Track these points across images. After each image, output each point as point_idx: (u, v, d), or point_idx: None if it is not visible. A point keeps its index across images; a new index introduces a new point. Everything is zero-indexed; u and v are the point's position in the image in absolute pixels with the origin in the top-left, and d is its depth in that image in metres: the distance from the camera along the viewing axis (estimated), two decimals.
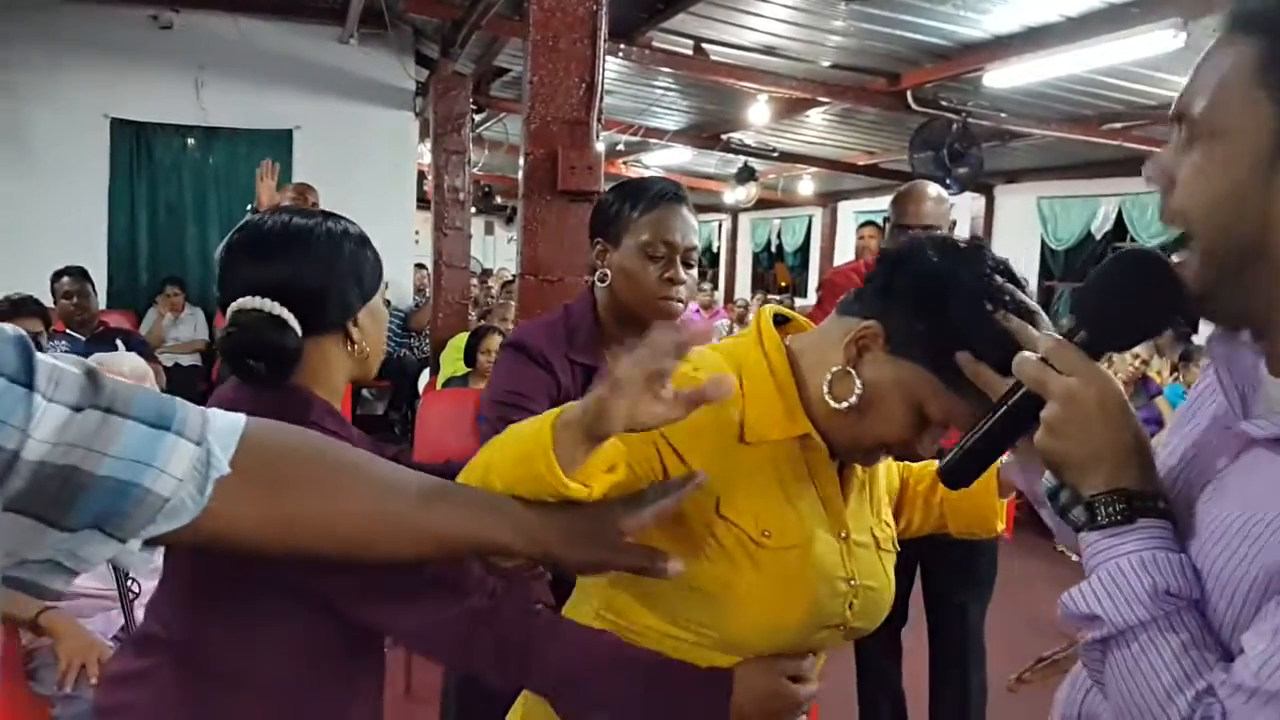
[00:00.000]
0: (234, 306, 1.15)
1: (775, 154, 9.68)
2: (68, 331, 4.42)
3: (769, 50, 6.08)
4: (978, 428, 0.84)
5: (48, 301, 4.40)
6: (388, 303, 7.37)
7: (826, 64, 6.26)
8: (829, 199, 12.69)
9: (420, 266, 8.93)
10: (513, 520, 0.85)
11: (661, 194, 1.71)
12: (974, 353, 0.94)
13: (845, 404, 1.02)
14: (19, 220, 6.42)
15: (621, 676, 1.05)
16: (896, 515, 1.29)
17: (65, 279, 4.47)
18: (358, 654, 1.21)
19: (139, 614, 1.96)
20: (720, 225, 16.22)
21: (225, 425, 0.75)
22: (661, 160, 10.88)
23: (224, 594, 1.13)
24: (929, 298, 0.99)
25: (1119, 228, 9.03)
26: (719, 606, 1.03)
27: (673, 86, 7.51)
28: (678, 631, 1.06)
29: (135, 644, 1.26)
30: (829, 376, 1.04)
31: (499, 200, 13.73)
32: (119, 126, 6.89)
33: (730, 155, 9.78)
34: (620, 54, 5.75)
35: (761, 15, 5.45)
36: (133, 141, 6.99)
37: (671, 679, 1.05)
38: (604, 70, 2.89)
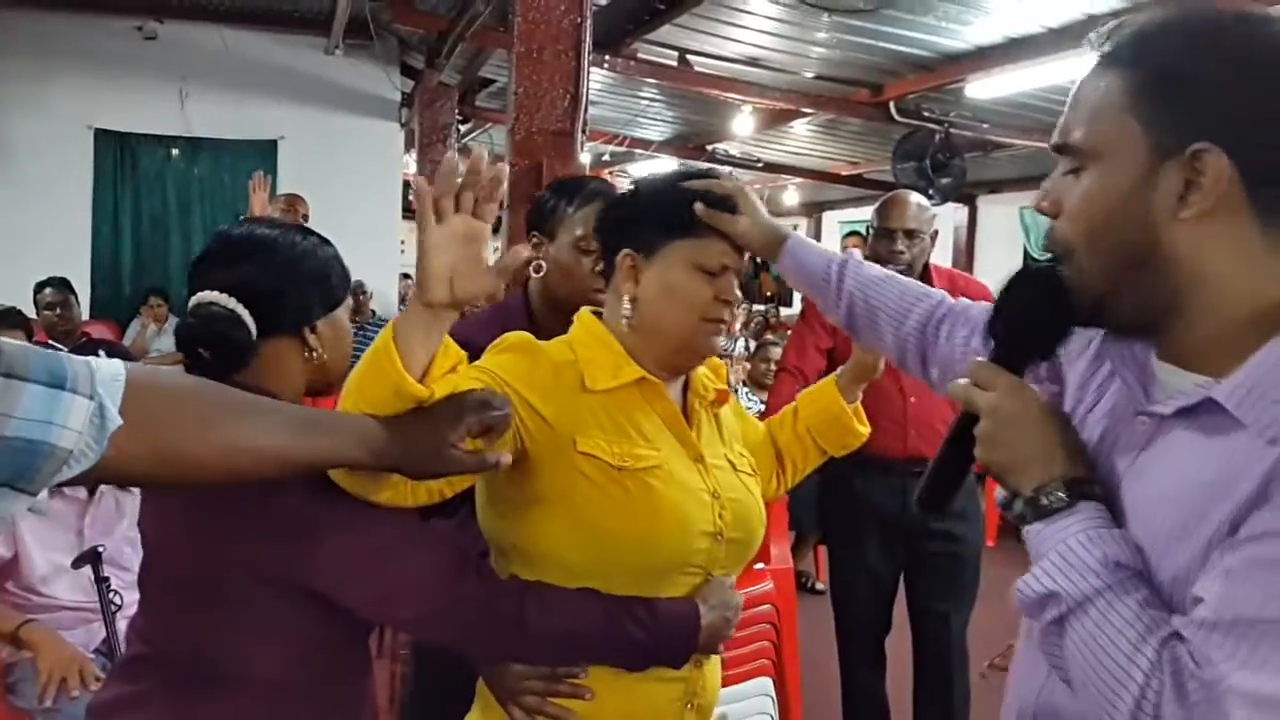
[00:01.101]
0: (194, 300, 1.22)
1: (760, 164, 9.72)
2: (50, 342, 4.39)
3: (753, 61, 6.12)
4: (938, 454, 0.92)
5: (31, 312, 4.37)
6: (373, 312, 7.39)
7: (810, 75, 6.31)
8: (813, 209, 12.75)
9: (406, 276, 8.92)
10: (363, 439, 0.98)
11: (596, 192, 1.79)
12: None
13: (626, 318, 1.23)
14: (2, 231, 6.38)
15: (605, 627, 1.15)
16: (782, 462, 1.50)
17: (48, 290, 4.45)
18: (346, 651, 1.23)
19: (121, 626, 1.95)
20: None
21: (109, 374, 0.82)
22: (646, 170, 10.92)
23: (208, 602, 1.14)
24: (644, 208, 1.27)
25: None
26: (605, 535, 1.16)
27: (657, 97, 7.55)
28: (585, 571, 1.17)
29: (122, 669, 1.26)
30: (625, 312, 1.24)
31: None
32: (103, 137, 6.87)
33: (715, 166, 9.81)
34: (605, 65, 5.77)
35: (745, 27, 5.48)
36: (117, 152, 6.96)
37: (649, 618, 1.16)
38: (589, 81, 2.91)
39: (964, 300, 1.24)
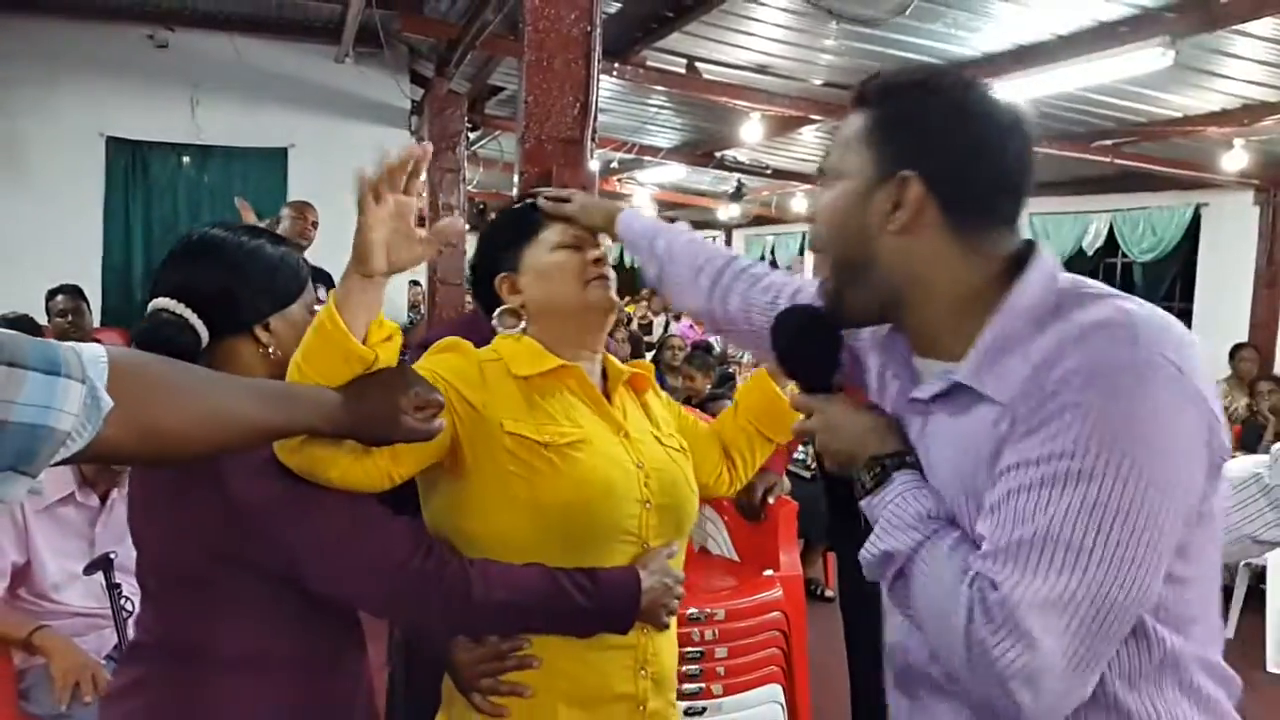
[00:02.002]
0: (150, 306, 1.28)
1: (769, 171, 9.74)
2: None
3: (761, 69, 6.13)
4: (827, 494, 1.10)
5: (43, 319, 4.40)
6: None
7: (818, 82, 6.31)
8: None
9: (415, 284, 8.95)
10: (320, 406, 1.06)
11: None
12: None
13: (524, 325, 1.36)
14: (14, 238, 6.42)
15: (548, 595, 1.22)
16: (730, 456, 1.57)
17: (60, 297, 4.47)
18: (330, 626, 1.29)
19: (133, 632, 1.96)
20: (714, 241, 16.28)
21: (93, 357, 0.86)
22: (655, 177, 10.94)
23: (191, 588, 1.23)
24: (495, 235, 1.45)
25: (1110, 243, 9.09)
26: (537, 508, 1.24)
27: (666, 105, 7.56)
28: (525, 546, 1.25)
29: (127, 656, 1.35)
30: (521, 324, 1.37)
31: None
32: (114, 145, 6.90)
33: (724, 172, 9.83)
34: (614, 73, 5.79)
35: (754, 34, 5.49)
36: (128, 160, 7.00)
37: (592, 591, 1.23)
38: (598, 90, 2.92)
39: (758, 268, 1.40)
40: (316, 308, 1.24)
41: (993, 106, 0.96)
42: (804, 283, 1.31)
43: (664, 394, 1.53)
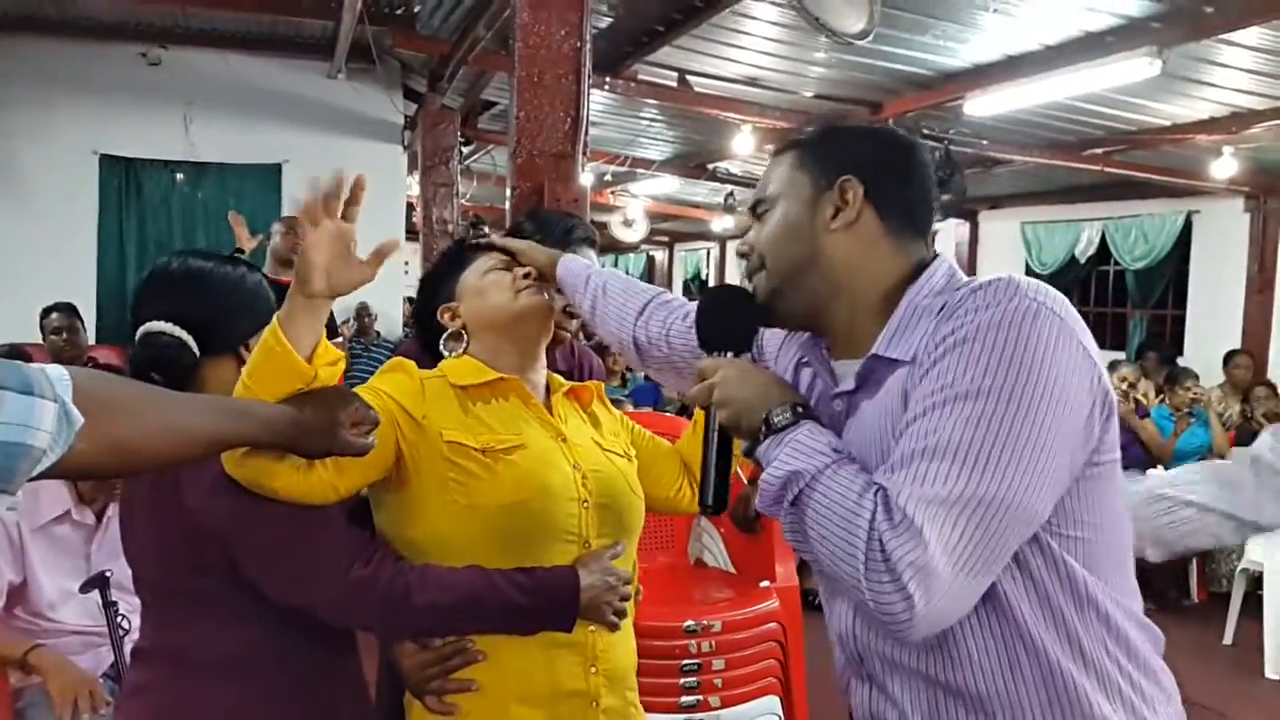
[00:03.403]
0: (142, 329, 1.37)
1: None
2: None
3: (752, 81, 6.17)
4: (702, 458, 1.14)
5: (36, 337, 4.40)
6: (377, 334, 7.41)
7: (809, 94, 6.35)
8: None
9: (410, 299, 8.95)
10: (267, 420, 1.12)
11: (570, 230, 1.88)
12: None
13: (464, 346, 1.42)
14: (8, 256, 6.43)
15: (488, 595, 1.27)
16: (691, 471, 1.59)
17: (54, 315, 4.46)
18: (317, 629, 1.32)
19: (129, 651, 1.96)
20: (709, 253, 16.30)
21: (58, 376, 0.90)
22: (649, 189, 10.96)
23: (175, 593, 1.32)
24: (439, 269, 1.52)
25: (1102, 251, 9.13)
26: (477, 512, 1.29)
27: (658, 118, 7.60)
28: (468, 550, 1.30)
29: (132, 662, 1.43)
30: (463, 344, 1.44)
31: (488, 231, 13.79)
32: (108, 162, 6.92)
33: (717, 184, 9.86)
34: (606, 87, 5.82)
35: (744, 48, 5.53)
36: (122, 177, 7.02)
37: (530, 589, 1.28)
38: (589, 104, 2.94)
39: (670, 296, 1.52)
40: None
41: (897, 133, 1.17)
42: None
43: (616, 411, 1.59)
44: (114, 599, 2.07)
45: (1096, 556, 0.98)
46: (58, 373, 0.91)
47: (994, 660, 0.98)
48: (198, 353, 1.35)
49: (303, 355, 1.15)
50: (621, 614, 1.35)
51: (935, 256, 1.11)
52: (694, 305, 1.40)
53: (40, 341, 4.41)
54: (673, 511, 1.65)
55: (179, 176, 7.17)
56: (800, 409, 1.04)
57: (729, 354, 1.14)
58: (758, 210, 1.16)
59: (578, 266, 1.53)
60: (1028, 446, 0.90)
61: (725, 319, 1.18)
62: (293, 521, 1.24)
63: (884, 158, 1.12)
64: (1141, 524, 1.38)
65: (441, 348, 1.45)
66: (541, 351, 1.47)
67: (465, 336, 1.44)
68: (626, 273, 1.62)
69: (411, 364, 1.40)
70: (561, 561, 1.33)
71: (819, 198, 1.10)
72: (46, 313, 4.52)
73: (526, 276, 1.45)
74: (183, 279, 1.40)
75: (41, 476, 0.89)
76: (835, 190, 1.09)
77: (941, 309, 1.01)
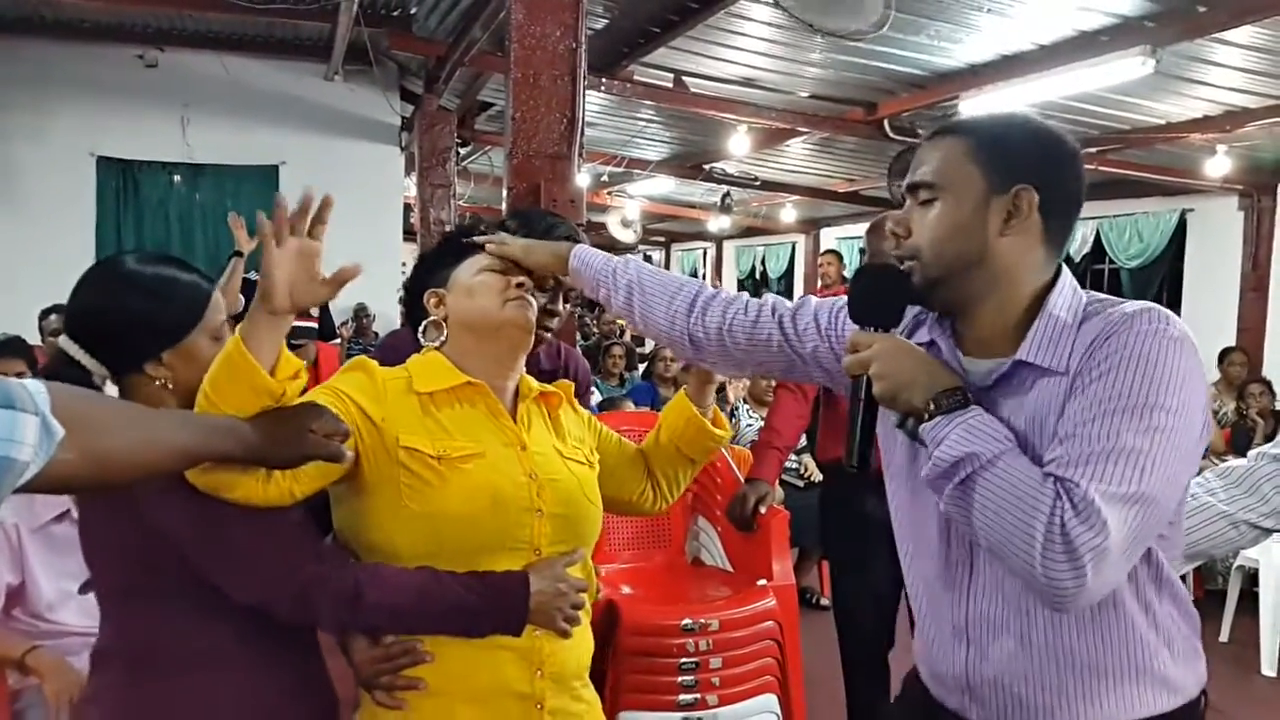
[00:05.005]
0: (58, 341, 1.35)
1: (757, 182, 9.78)
2: (44, 375, 4.41)
3: (748, 82, 6.18)
4: (850, 417, 1.20)
5: (35, 339, 4.40)
6: (375, 334, 7.41)
7: (805, 94, 6.36)
8: (811, 226, 12.81)
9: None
10: (235, 434, 1.13)
11: (551, 228, 1.86)
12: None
13: (443, 339, 1.42)
14: (7, 259, 6.43)
15: (436, 595, 1.28)
16: (653, 475, 1.62)
17: (53, 316, 4.47)
18: (275, 627, 1.32)
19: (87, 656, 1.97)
20: (705, 253, 16.32)
21: (35, 390, 0.91)
22: (645, 190, 10.97)
23: (131, 592, 1.32)
24: (434, 255, 1.52)
25: (1097, 250, 9.14)
26: (428, 519, 1.30)
27: (655, 118, 7.60)
28: (420, 556, 1.31)
29: (91, 666, 1.41)
30: (442, 337, 1.43)
31: (483, 229, 13.76)
32: (106, 164, 6.93)
33: (713, 185, 9.88)
34: (602, 88, 5.83)
35: (740, 48, 5.54)
36: (119, 179, 7.02)
37: (479, 591, 1.29)
38: (585, 105, 2.95)
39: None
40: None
41: (1063, 134, 1.19)
42: (775, 302, 1.42)
43: (585, 412, 1.60)
44: None
45: (1170, 546, 1.17)
46: (36, 386, 0.92)
47: (1089, 623, 1.14)
48: (100, 371, 1.31)
49: (265, 369, 1.16)
50: (573, 621, 1.36)
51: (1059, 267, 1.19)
52: (748, 298, 1.44)
53: (39, 342, 4.42)
54: (635, 513, 1.66)
55: (176, 178, 7.18)
56: (964, 392, 1.10)
57: (880, 329, 1.19)
58: (919, 195, 1.19)
59: (596, 259, 1.50)
60: (1186, 456, 1.06)
61: (880, 297, 1.21)
62: (245, 523, 1.24)
63: (1057, 168, 1.17)
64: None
65: (420, 334, 1.45)
66: (517, 361, 1.46)
67: (444, 329, 1.43)
68: None
69: (373, 364, 1.40)
70: (512, 568, 1.34)
71: (991, 199, 1.15)
72: (45, 314, 4.53)
73: (520, 286, 1.43)
74: (82, 293, 1.36)
75: (21, 490, 0.90)
76: (1010, 196, 1.14)
77: (1081, 324, 1.13)
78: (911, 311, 1.26)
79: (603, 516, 1.50)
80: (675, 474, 1.63)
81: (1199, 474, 1.43)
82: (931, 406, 1.10)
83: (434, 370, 1.39)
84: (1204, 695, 1.21)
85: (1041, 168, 1.15)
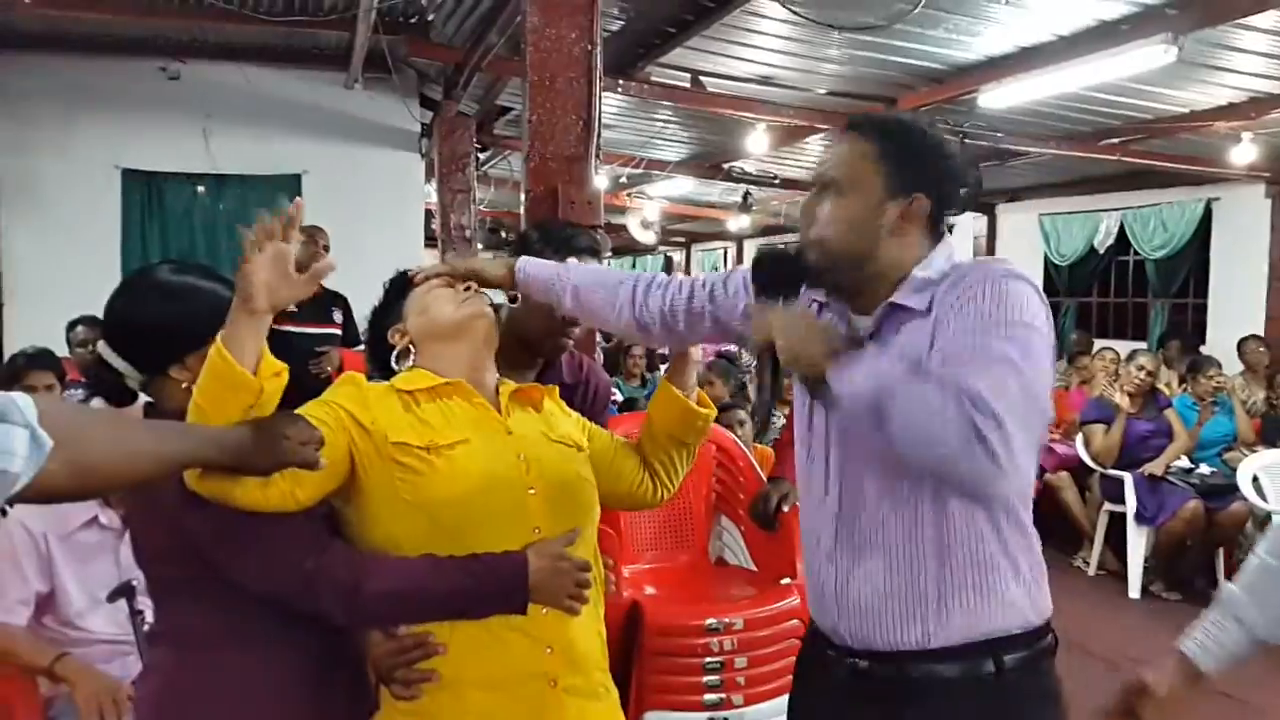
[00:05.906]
0: (97, 347, 1.46)
1: (777, 181, 9.75)
2: (83, 380, 4.47)
3: (765, 80, 6.16)
4: (758, 386, 1.43)
5: (63, 351, 4.45)
6: None
7: (823, 91, 6.34)
8: None
9: None
10: (215, 442, 1.18)
11: (584, 246, 1.92)
12: None
13: (411, 358, 1.50)
14: (35, 271, 6.52)
15: (435, 580, 1.33)
16: (650, 465, 1.67)
17: (80, 328, 4.53)
18: (274, 613, 1.39)
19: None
20: (725, 252, 16.29)
21: (23, 404, 0.94)
22: (664, 191, 10.96)
23: (173, 579, 1.42)
24: (389, 296, 1.60)
25: (1121, 241, 9.04)
26: (425, 507, 1.36)
27: (672, 119, 7.60)
28: (421, 546, 1.36)
29: (147, 643, 1.60)
30: (412, 359, 1.51)
31: (506, 235, 13.83)
32: (130, 176, 6.99)
33: (733, 184, 9.86)
34: (620, 89, 5.83)
35: (756, 46, 5.53)
36: (144, 191, 7.08)
37: (478, 572, 1.34)
38: (601, 107, 2.96)
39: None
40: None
41: (958, 146, 1.37)
42: (708, 277, 1.58)
43: (574, 414, 1.65)
44: (140, 607, 2.09)
45: (1021, 489, 1.33)
46: (24, 400, 0.95)
47: (943, 545, 1.30)
48: (136, 376, 1.43)
49: (247, 368, 1.22)
50: (579, 598, 1.38)
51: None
52: (682, 279, 1.62)
53: (67, 354, 4.47)
54: (638, 505, 1.71)
55: (200, 189, 7.23)
56: (861, 341, 1.26)
57: (779, 302, 1.31)
58: (821, 188, 1.34)
59: (539, 269, 1.62)
60: (1047, 357, 1.23)
61: (780, 274, 1.34)
62: (256, 524, 1.31)
63: (952, 179, 1.33)
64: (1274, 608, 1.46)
65: (393, 364, 1.52)
66: (488, 356, 1.53)
67: (413, 351, 1.50)
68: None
69: (360, 376, 1.47)
70: (512, 548, 1.37)
71: (887, 203, 1.30)
72: (72, 325, 4.59)
73: (467, 289, 1.53)
74: (117, 303, 1.45)
75: (14, 501, 0.93)
76: (906, 202, 1.29)
77: (943, 277, 1.29)
78: None
79: (599, 501, 1.55)
80: (670, 459, 1.67)
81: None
82: (832, 359, 1.23)
83: (415, 377, 1.47)
84: (1050, 632, 1.36)
85: (939, 178, 1.32)
